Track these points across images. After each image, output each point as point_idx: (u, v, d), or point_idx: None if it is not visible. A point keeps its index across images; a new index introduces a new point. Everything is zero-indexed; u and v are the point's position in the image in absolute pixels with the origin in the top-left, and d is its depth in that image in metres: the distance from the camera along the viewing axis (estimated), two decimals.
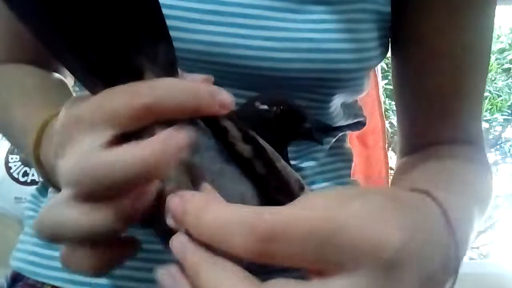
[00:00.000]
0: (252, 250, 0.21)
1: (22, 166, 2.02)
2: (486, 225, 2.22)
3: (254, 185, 0.29)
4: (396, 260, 0.22)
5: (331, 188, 0.26)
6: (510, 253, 2.14)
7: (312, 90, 0.44)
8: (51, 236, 0.26)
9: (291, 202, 0.23)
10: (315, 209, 0.22)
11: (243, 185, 0.29)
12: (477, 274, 1.79)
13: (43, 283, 0.45)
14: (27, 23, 0.26)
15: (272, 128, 0.35)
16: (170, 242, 0.24)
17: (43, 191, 0.52)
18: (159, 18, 0.27)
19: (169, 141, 0.24)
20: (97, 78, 0.27)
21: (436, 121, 0.51)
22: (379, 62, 0.49)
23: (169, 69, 0.28)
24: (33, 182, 2.01)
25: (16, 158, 2.03)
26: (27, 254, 0.49)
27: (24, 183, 2.01)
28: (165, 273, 0.24)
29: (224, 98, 0.27)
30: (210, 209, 0.23)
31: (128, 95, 0.25)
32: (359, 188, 0.26)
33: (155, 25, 0.27)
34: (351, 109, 0.53)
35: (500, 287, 1.81)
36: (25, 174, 2.01)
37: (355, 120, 0.54)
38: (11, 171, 2.01)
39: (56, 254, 0.44)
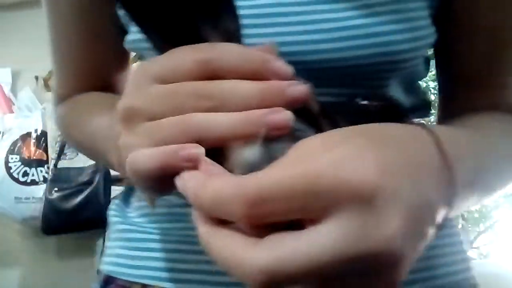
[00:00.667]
0: (248, 216, 0.23)
1: (22, 166, 2.02)
2: (486, 225, 2.22)
3: None
4: (376, 196, 0.23)
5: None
6: (510, 253, 2.15)
7: (370, 77, 0.44)
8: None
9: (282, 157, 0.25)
10: (296, 163, 0.24)
11: None
12: (477, 274, 1.79)
13: (133, 282, 0.47)
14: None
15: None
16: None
17: (125, 200, 0.55)
18: None
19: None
20: (170, 46, 0.30)
21: (477, 90, 0.51)
22: (433, 41, 0.48)
23: (232, 39, 0.31)
24: (33, 182, 2.01)
25: (16, 158, 2.03)
26: (115, 257, 0.50)
27: (24, 183, 2.00)
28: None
29: (278, 66, 0.29)
30: (206, 187, 0.25)
31: (191, 50, 0.29)
32: (352, 130, 0.27)
33: None
34: (413, 95, 0.52)
35: (500, 287, 1.82)
36: (25, 174, 2.01)
37: (418, 106, 0.53)
38: (11, 171, 2.01)
39: (143, 254, 0.47)
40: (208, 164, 0.27)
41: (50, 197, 1.92)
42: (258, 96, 0.28)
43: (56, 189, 1.94)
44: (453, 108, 0.54)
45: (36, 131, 2.07)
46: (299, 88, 0.28)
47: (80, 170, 1.98)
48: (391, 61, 0.42)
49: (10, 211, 1.98)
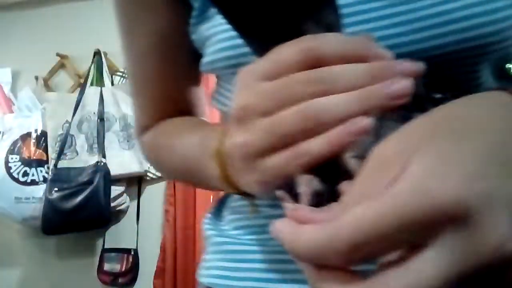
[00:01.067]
0: (346, 262, 0.23)
1: (22, 166, 2.03)
2: None
3: None
4: (471, 212, 0.21)
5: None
6: None
7: (459, 64, 0.42)
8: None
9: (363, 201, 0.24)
10: (380, 196, 0.22)
11: None
12: None
13: None
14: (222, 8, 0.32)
15: None
16: None
17: (217, 214, 0.54)
18: None
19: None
20: (271, 47, 0.31)
21: None
22: None
23: (333, 31, 0.31)
24: (33, 182, 2.01)
25: (16, 158, 2.03)
26: (215, 269, 0.50)
27: (24, 183, 2.01)
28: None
29: (380, 50, 0.29)
30: (299, 239, 0.24)
31: (293, 43, 0.30)
32: (430, 128, 0.24)
33: None
34: (503, 79, 0.49)
35: None
36: (25, 174, 2.02)
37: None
38: (11, 171, 2.02)
39: (243, 265, 0.47)
40: (299, 209, 0.26)
41: (50, 197, 1.92)
42: (369, 74, 0.28)
43: (56, 189, 1.94)
44: None
45: (36, 131, 2.07)
46: (410, 64, 0.28)
47: (80, 170, 1.98)
48: (481, 45, 0.40)
49: (10, 211, 1.99)
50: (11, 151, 2.04)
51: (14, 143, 2.05)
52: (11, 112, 2.15)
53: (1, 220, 2.13)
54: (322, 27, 0.31)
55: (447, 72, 0.42)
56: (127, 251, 2.05)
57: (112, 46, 2.21)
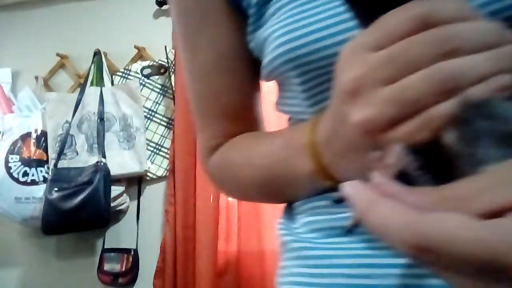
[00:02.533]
0: (408, 253, 0.22)
1: (22, 166, 2.02)
2: None
3: None
4: None
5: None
6: None
7: None
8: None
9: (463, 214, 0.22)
10: (478, 231, 0.21)
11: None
12: None
13: None
14: None
15: None
16: None
17: (289, 217, 0.52)
18: None
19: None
20: (379, 11, 0.29)
21: None
22: None
23: None
24: (33, 182, 2.01)
25: (16, 158, 2.03)
26: (295, 276, 0.47)
27: (24, 183, 2.01)
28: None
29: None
30: (374, 210, 0.23)
31: (403, 10, 0.27)
32: None
33: None
34: None
35: None
36: (25, 174, 2.01)
37: None
38: (11, 171, 2.01)
39: (323, 271, 0.44)
40: (388, 183, 0.25)
41: (50, 197, 1.92)
42: (497, 34, 0.26)
43: (56, 189, 1.94)
44: None
45: (36, 131, 2.07)
46: None
47: (80, 170, 1.98)
48: None
49: (10, 211, 1.98)
50: (11, 151, 2.04)
51: (14, 143, 2.05)
52: (11, 112, 2.15)
53: (1, 220, 2.13)
54: None
55: None
56: (127, 251, 2.05)
57: (112, 46, 2.21)
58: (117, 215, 2.08)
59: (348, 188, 0.25)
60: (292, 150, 0.42)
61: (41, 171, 2.03)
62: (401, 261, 0.38)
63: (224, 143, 0.54)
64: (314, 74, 0.42)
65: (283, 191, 0.49)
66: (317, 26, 0.40)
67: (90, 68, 2.13)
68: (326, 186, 0.42)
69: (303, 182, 0.42)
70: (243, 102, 0.54)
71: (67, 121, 2.06)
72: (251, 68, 0.52)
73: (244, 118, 0.55)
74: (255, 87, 0.55)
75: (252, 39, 0.49)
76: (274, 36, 0.44)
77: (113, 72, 2.17)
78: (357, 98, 0.29)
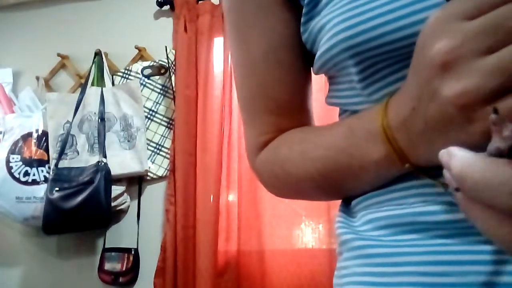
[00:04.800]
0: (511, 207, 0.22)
1: (23, 166, 2.03)
2: None
3: None
4: None
5: None
6: None
7: None
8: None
9: None
10: None
11: None
12: None
13: None
14: None
15: None
16: None
17: (347, 212, 0.49)
18: None
19: None
20: None
21: None
22: None
23: None
24: (34, 182, 2.02)
25: (17, 158, 2.04)
26: (359, 275, 0.44)
27: (25, 183, 2.01)
28: None
29: None
30: (474, 165, 0.23)
31: None
32: None
33: None
34: None
35: None
36: (26, 174, 2.02)
37: None
38: (12, 171, 2.02)
39: (391, 269, 0.40)
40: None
41: (51, 196, 1.93)
42: None
43: (57, 188, 1.94)
44: None
45: (37, 131, 2.08)
46: None
47: (81, 170, 1.99)
48: None
49: (11, 210, 1.99)
50: (12, 151, 2.04)
51: (15, 143, 2.06)
52: (12, 112, 2.16)
53: (2, 220, 2.14)
54: None
55: None
56: (127, 250, 2.06)
57: (112, 46, 2.22)
58: (117, 214, 2.08)
59: (445, 152, 0.25)
60: (358, 138, 0.40)
61: (42, 171, 2.04)
62: (482, 257, 0.36)
63: (274, 138, 0.52)
64: (373, 60, 0.41)
65: (346, 184, 0.45)
66: (376, 13, 0.39)
67: (90, 68, 2.13)
68: (395, 175, 0.40)
69: (371, 171, 0.40)
70: (295, 96, 0.52)
71: (68, 121, 2.06)
72: (303, 61, 0.50)
73: (296, 113, 0.53)
74: (307, 81, 0.53)
75: (305, 31, 0.48)
76: (331, 25, 0.42)
77: (113, 72, 2.17)
78: (451, 71, 0.27)
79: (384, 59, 0.40)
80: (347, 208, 0.49)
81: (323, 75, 0.50)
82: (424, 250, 0.39)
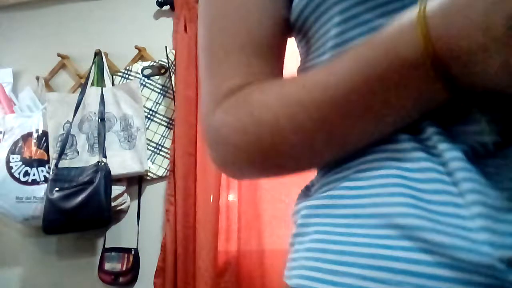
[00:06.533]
0: None
1: (23, 166, 2.03)
2: None
3: None
4: None
5: None
6: None
7: None
8: None
9: None
10: None
11: None
12: None
13: None
14: None
15: None
16: None
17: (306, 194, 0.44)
18: None
19: None
20: None
21: None
22: None
23: None
24: (34, 182, 2.02)
25: (17, 158, 2.04)
26: (306, 269, 0.39)
27: (25, 183, 2.01)
28: None
29: None
30: None
31: None
32: None
33: None
34: None
35: None
36: (26, 174, 2.02)
37: None
38: (12, 171, 2.02)
39: (337, 268, 0.36)
40: None
41: (51, 196, 1.93)
42: None
43: (57, 188, 1.95)
44: None
45: (37, 131, 2.08)
46: None
47: (81, 170, 1.99)
48: None
49: (11, 210, 1.99)
50: (12, 151, 2.04)
51: (15, 143, 2.06)
52: (12, 112, 2.16)
53: (2, 220, 2.14)
54: None
55: None
56: (127, 250, 2.06)
57: (112, 46, 2.22)
58: (117, 214, 2.08)
59: None
60: (384, 42, 0.31)
61: (42, 171, 2.04)
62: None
63: (244, 86, 0.42)
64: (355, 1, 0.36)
65: (360, 123, 0.35)
66: None
67: (91, 68, 2.13)
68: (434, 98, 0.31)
69: (412, 75, 0.31)
70: (275, 42, 0.45)
71: (68, 121, 2.06)
72: (285, 14, 0.45)
73: (273, 61, 0.45)
74: (285, 39, 0.47)
75: None
76: None
77: (113, 72, 2.17)
78: None
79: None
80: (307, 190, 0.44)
81: None
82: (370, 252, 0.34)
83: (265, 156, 0.40)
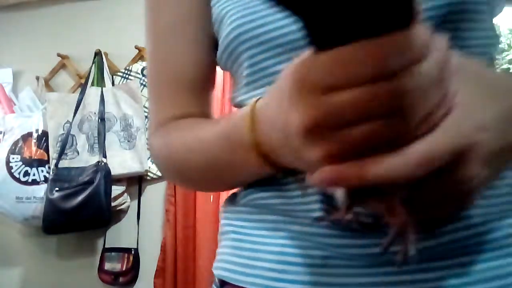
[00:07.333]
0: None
1: (23, 166, 2.03)
2: None
3: None
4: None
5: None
6: None
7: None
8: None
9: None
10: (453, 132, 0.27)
11: None
12: None
13: None
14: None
15: None
16: None
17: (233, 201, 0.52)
18: None
19: None
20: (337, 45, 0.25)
21: None
22: None
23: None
24: (34, 182, 2.02)
25: (17, 158, 2.04)
26: (226, 263, 0.48)
27: (25, 183, 2.01)
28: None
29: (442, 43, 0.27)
30: (373, 167, 0.27)
31: (366, 51, 0.24)
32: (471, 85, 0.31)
33: None
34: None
35: None
36: (26, 174, 2.02)
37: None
38: (12, 171, 2.02)
39: (251, 262, 0.45)
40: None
41: (51, 196, 1.93)
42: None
43: (57, 188, 1.95)
44: None
45: (37, 131, 2.08)
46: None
47: (81, 170, 1.99)
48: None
49: (11, 210, 1.99)
50: (12, 151, 2.05)
51: (15, 143, 2.06)
52: (12, 112, 2.16)
53: (2, 220, 2.14)
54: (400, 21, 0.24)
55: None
56: (127, 250, 2.06)
57: (112, 46, 2.22)
58: (117, 214, 2.09)
59: (317, 175, 0.28)
60: (233, 143, 0.41)
61: (42, 171, 2.04)
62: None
63: (172, 118, 0.51)
64: (260, 49, 0.44)
65: (227, 177, 0.47)
66: (265, 21, 0.43)
67: (91, 68, 2.13)
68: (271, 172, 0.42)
69: (246, 169, 0.42)
70: (199, 75, 0.52)
71: (68, 121, 2.07)
72: (210, 43, 0.51)
73: (198, 93, 0.52)
74: (212, 66, 0.53)
75: (214, 12, 0.49)
76: (230, 15, 0.46)
77: (113, 72, 2.17)
78: (311, 138, 0.28)
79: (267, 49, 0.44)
80: (232, 198, 0.52)
81: None
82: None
83: (177, 178, 0.53)
